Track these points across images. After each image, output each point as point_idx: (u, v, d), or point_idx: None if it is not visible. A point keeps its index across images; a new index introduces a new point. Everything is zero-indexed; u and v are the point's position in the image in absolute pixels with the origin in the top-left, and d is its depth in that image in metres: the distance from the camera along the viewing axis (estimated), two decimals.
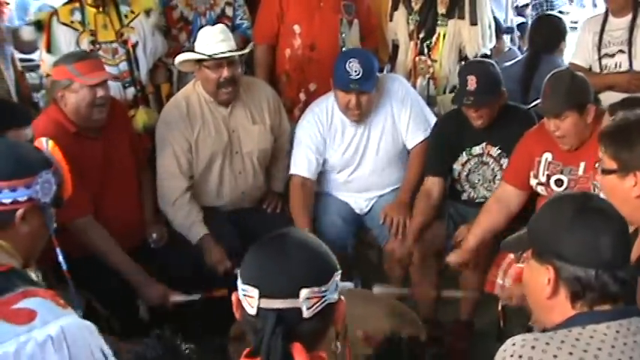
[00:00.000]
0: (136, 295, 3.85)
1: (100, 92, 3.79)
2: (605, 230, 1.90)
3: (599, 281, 1.89)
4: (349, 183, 4.50)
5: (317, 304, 1.76)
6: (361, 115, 4.27)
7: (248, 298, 1.78)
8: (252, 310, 1.77)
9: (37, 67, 5.32)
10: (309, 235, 1.92)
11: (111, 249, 3.81)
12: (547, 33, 5.40)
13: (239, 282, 1.82)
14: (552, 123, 3.66)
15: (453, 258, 3.98)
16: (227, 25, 4.52)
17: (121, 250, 3.84)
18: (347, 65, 4.11)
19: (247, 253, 1.86)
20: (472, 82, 4.01)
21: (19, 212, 2.19)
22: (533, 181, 3.87)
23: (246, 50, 4.29)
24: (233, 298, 1.85)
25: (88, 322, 2.10)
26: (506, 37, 6.59)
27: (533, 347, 1.84)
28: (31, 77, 5.63)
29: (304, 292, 1.74)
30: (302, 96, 4.85)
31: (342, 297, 1.87)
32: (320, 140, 4.38)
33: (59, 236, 2.37)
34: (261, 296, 1.75)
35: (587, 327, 1.87)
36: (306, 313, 1.75)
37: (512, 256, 3.72)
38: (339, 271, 1.85)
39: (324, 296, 1.77)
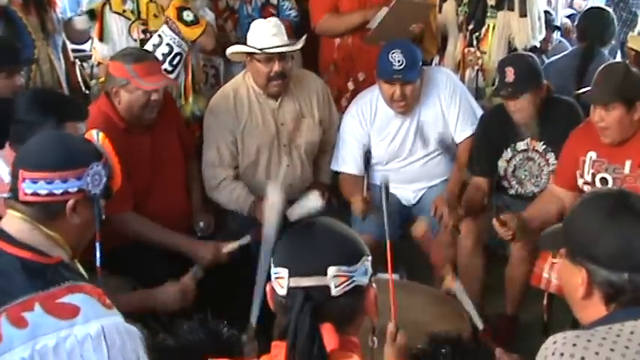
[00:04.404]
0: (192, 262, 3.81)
1: (154, 96, 3.82)
2: (638, 233, 1.87)
3: (632, 284, 1.86)
4: (396, 174, 4.45)
5: (345, 284, 1.80)
6: (407, 106, 4.26)
7: (279, 280, 1.83)
8: (282, 291, 1.82)
9: (89, 57, 5.38)
10: (338, 221, 1.95)
11: (152, 231, 3.85)
12: (601, 26, 5.33)
13: (272, 268, 1.87)
14: (597, 113, 3.60)
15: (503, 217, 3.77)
16: (271, 14, 4.59)
17: (160, 227, 3.87)
18: (390, 56, 4.12)
19: (279, 239, 1.91)
20: (510, 74, 4.00)
21: (70, 203, 2.22)
22: (579, 181, 3.81)
23: (298, 46, 4.29)
24: (267, 288, 1.89)
25: (130, 327, 2.12)
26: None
27: (574, 345, 1.82)
28: (83, 67, 5.69)
29: (332, 270, 1.78)
30: (350, 85, 4.88)
31: (374, 285, 1.90)
32: (364, 136, 4.40)
33: (106, 225, 2.38)
34: (290, 275, 1.80)
35: (626, 323, 1.85)
36: (334, 291, 1.79)
37: None
38: (369, 257, 1.89)
39: (352, 276, 1.81)
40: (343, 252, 1.83)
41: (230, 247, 3.86)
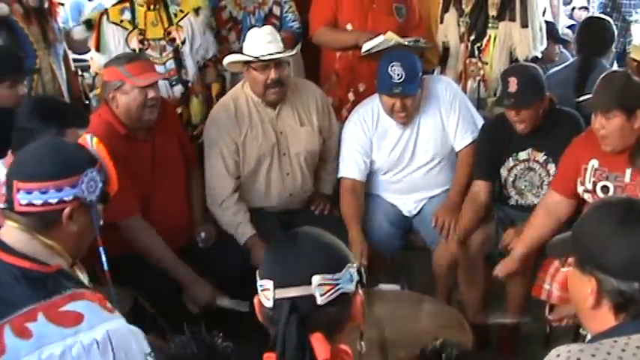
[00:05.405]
0: (183, 294, 3.85)
1: (151, 93, 3.82)
2: None
3: None
4: (397, 184, 4.48)
5: (330, 292, 1.79)
6: (407, 117, 4.25)
7: (265, 292, 1.82)
8: (268, 303, 1.81)
9: (90, 67, 5.39)
10: (321, 230, 1.94)
11: (159, 248, 3.84)
12: (599, 36, 5.31)
13: (258, 280, 1.86)
14: (598, 121, 3.58)
15: (501, 270, 3.94)
16: (274, 25, 4.56)
17: (168, 249, 3.85)
18: (389, 69, 4.10)
19: (264, 252, 1.92)
20: (513, 84, 3.98)
21: (66, 211, 2.20)
22: (579, 189, 3.79)
23: (293, 52, 4.29)
24: (255, 301, 1.88)
25: (133, 327, 2.12)
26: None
27: (578, 359, 1.80)
28: (83, 77, 5.69)
29: (316, 279, 1.78)
30: (351, 96, 4.86)
31: (360, 291, 1.89)
32: (366, 142, 4.37)
33: (106, 234, 2.37)
34: (275, 287, 1.80)
35: (632, 337, 1.83)
36: (319, 300, 1.78)
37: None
38: (354, 264, 1.88)
39: (337, 284, 1.81)
40: (326, 260, 1.83)
41: (225, 303, 3.86)
